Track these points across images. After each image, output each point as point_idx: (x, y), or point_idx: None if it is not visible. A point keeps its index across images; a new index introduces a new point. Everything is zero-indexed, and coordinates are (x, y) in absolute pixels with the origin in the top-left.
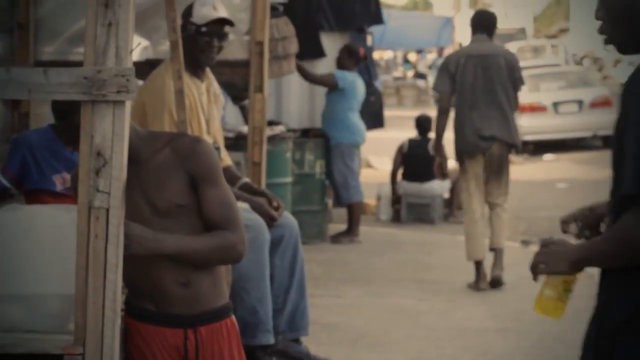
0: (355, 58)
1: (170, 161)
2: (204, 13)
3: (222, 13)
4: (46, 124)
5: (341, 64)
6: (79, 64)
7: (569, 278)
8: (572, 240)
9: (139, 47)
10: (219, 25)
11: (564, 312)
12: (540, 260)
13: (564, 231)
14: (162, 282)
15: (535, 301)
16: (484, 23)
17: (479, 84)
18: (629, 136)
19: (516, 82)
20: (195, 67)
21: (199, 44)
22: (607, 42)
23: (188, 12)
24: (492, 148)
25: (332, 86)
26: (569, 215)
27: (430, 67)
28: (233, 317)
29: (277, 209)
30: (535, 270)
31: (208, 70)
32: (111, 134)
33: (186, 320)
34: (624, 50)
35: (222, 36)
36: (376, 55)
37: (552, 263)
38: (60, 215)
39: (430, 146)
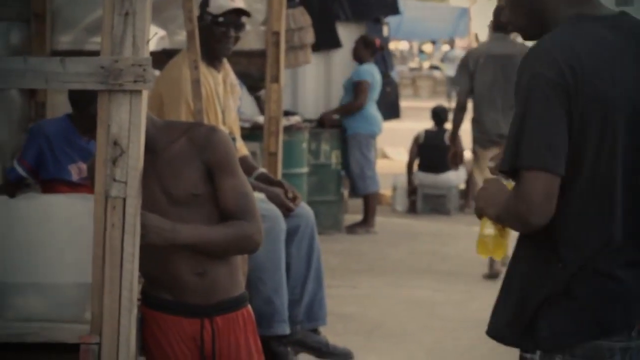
0: (371, 49)
1: (186, 151)
2: (220, 3)
3: (239, 3)
4: (63, 113)
5: (357, 55)
6: (95, 53)
7: None
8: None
9: (155, 37)
10: (236, 16)
11: (506, 252)
12: (479, 205)
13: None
14: (178, 272)
15: (477, 243)
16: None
17: (498, 84)
18: (513, 114)
19: None
20: (211, 57)
21: (216, 34)
22: (512, 29)
23: (205, 2)
24: None
25: (369, 89)
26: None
27: (442, 60)
28: (249, 307)
29: (293, 199)
30: (478, 213)
31: (225, 60)
32: (128, 123)
33: (203, 309)
34: (529, 36)
35: (239, 26)
36: (392, 45)
37: (485, 205)
38: (76, 205)
39: (447, 137)
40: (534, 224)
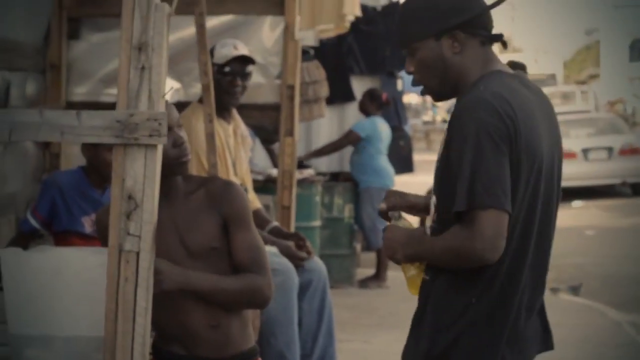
0: (378, 102)
1: (204, 204)
2: (224, 53)
3: (243, 50)
4: (77, 164)
5: (363, 109)
6: (110, 105)
7: None
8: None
9: (170, 90)
10: (241, 64)
11: None
12: (391, 252)
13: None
14: (192, 324)
15: (407, 285)
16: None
17: None
18: (457, 158)
19: None
20: (221, 108)
21: (223, 85)
22: (423, 92)
23: (210, 54)
24: None
25: (357, 141)
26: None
27: (448, 111)
28: None
29: (307, 252)
30: (394, 260)
31: (234, 111)
32: (142, 177)
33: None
34: (440, 97)
35: (245, 75)
36: (405, 99)
37: (394, 252)
38: (89, 258)
39: None
40: (490, 260)
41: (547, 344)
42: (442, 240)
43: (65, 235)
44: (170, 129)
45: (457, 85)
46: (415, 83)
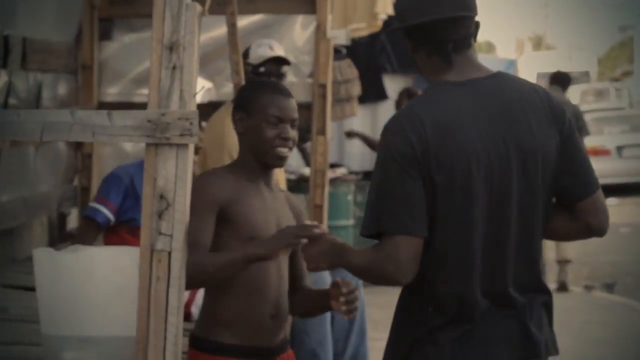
0: None
1: (286, 204)
2: (260, 53)
3: (279, 51)
4: (109, 164)
5: (400, 107)
6: (142, 105)
7: None
8: None
9: (202, 90)
10: (276, 65)
11: None
12: (310, 265)
13: None
14: (255, 314)
15: None
16: (559, 80)
17: None
18: (370, 182)
19: (581, 129)
20: None
21: None
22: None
23: (245, 55)
24: None
25: None
26: None
27: None
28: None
29: None
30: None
31: None
32: (174, 177)
33: (267, 351)
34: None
35: (280, 76)
36: None
37: (317, 263)
38: (121, 258)
39: None
40: (400, 283)
41: (533, 350)
42: (359, 258)
43: (117, 229)
44: (282, 121)
45: None
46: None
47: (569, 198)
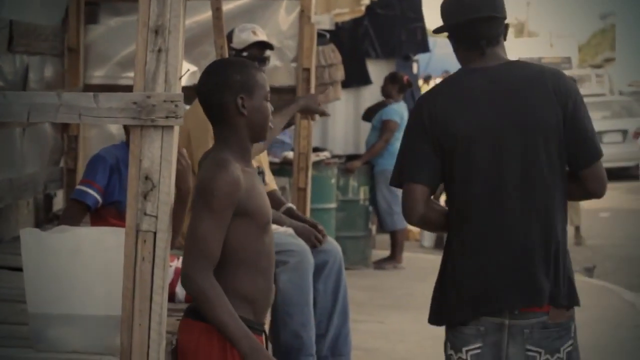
0: (400, 85)
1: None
2: (243, 38)
3: (262, 36)
4: (95, 146)
5: (386, 92)
6: (128, 88)
7: None
8: None
9: (187, 73)
10: (259, 49)
11: None
12: None
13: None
14: (270, 289)
15: None
16: None
17: None
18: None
19: None
20: None
21: None
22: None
23: (228, 39)
24: None
25: (396, 128)
26: None
27: None
28: None
29: (321, 236)
30: None
31: None
32: (159, 158)
33: (263, 326)
34: None
35: (263, 60)
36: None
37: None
38: (106, 238)
39: None
40: (409, 222)
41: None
42: None
43: (103, 213)
44: (267, 99)
45: None
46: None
47: (573, 166)
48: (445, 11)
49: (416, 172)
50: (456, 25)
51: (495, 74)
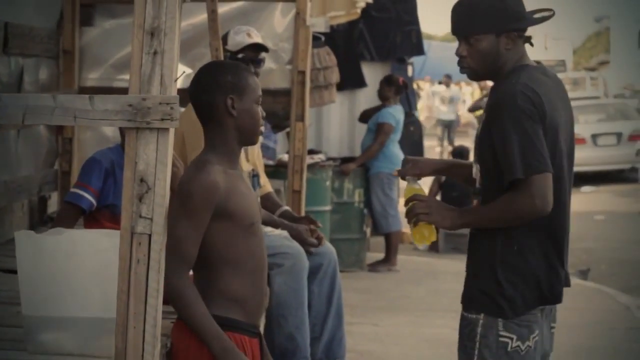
0: (396, 87)
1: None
2: (238, 40)
3: (257, 38)
4: (90, 149)
5: (382, 95)
6: (123, 90)
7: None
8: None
9: (182, 76)
10: (254, 52)
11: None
12: (423, 211)
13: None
14: (262, 291)
15: (415, 238)
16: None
17: None
18: (504, 139)
19: None
20: None
21: None
22: (462, 71)
23: (223, 41)
24: None
25: (392, 131)
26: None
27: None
28: None
29: (318, 239)
30: (413, 217)
31: None
32: (155, 161)
33: (257, 328)
34: (478, 79)
35: (258, 62)
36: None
37: (436, 216)
38: (102, 240)
39: None
40: (547, 213)
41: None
42: (491, 209)
43: (97, 216)
44: (257, 103)
45: (497, 73)
46: (462, 64)
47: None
48: (508, 10)
49: (546, 161)
50: (541, 21)
51: (546, 71)
